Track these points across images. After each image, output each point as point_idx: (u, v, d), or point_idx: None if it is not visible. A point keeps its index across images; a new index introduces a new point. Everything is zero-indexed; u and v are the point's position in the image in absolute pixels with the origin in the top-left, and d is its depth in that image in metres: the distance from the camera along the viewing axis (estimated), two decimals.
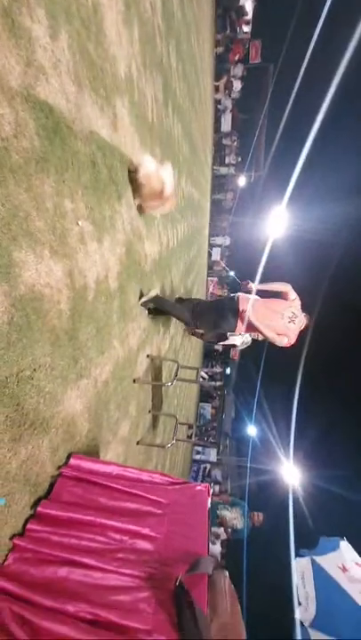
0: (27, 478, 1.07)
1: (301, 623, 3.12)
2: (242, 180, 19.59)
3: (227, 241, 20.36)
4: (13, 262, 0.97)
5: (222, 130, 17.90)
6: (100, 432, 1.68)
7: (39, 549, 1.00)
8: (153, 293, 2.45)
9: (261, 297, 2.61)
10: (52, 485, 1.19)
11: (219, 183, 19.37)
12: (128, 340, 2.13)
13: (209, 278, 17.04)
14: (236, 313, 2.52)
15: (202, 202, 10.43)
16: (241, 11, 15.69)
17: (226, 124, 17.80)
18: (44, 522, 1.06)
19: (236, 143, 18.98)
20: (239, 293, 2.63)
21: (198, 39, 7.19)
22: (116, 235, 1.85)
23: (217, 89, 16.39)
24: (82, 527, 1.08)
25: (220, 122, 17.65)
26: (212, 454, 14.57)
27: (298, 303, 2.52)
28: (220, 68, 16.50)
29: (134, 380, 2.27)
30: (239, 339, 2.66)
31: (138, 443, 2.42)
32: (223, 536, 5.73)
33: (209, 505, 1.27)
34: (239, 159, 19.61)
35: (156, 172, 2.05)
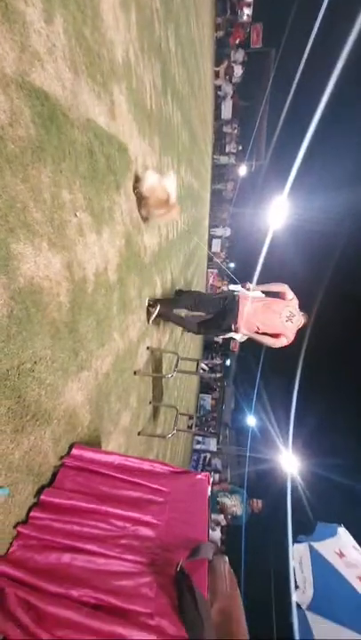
0: (30, 468, 1.08)
1: (299, 606, 3.21)
2: (243, 170, 19.28)
3: (227, 232, 20.16)
4: (12, 255, 0.97)
5: (223, 117, 17.49)
6: (102, 423, 1.70)
7: (43, 536, 1.02)
8: (156, 312, 2.60)
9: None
10: (54, 475, 1.21)
11: (219, 173, 19.06)
12: (128, 333, 2.13)
13: (209, 270, 16.94)
14: (236, 314, 2.58)
15: (202, 192, 10.30)
16: None
17: (226, 111, 17.38)
18: (47, 510, 1.08)
19: (236, 131, 18.57)
20: (239, 293, 2.69)
21: (198, 23, 6.98)
22: (115, 226, 1.83)
23: (217, 75, 15.96)
24: (84, 514, 1.10)
25: (221, 109, 17.22)
26: (212, 444, 14.76)
27: (295, 303, 2.59)
28: (221, 52, 16.05)
29: (135, 372, 2.29)
30: (239, 335, 2.72)
31: (139, 433, 2.45)
32: (223, 523, 5.86)
33: (209, 493, 1.29)
34: (240, 148, 19.22)
35: (160, 182, 2.13)
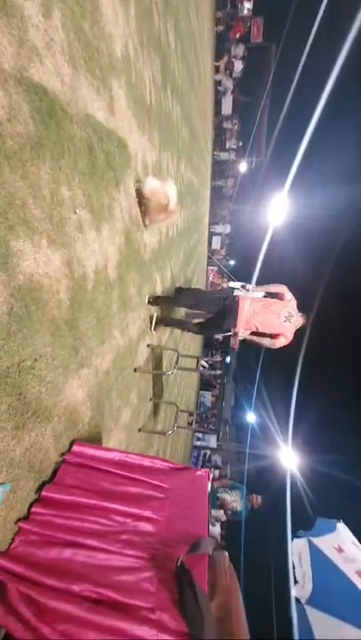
0: (31, 465, 1.09)
1: (298, 600, 3.24)
2: (243, 166, 19.15)
3: (227, 229, 20.08)
4: (11, 252, 0.96)
5: (223, 113, 17.35)
6: (102, 420, 1.71)
7: (44, 532, 1.03)
8: (155, 319, 2.68)
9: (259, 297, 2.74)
10: (55, 472, 1.22)
11: (219, 169, 18.94)
12: (128, 330, 2.13)
13: (209, 267, 16.90)
14: (236, 314, 2.61)
15: (201, 189, 10.24)
16: None
17: (226, 107, 17.24)
18: (48, 505, 1.09)
19: (236, 127, 18.42)
20: (239, 293, 2.73)
21: (198, 16, 6.90)
22: (115, 223, 1.82)
23: (217, 69, 15.81)
24: (85, 510, 1.11)
25: (221, 104, 17.08)
26: (212, 440, 14.84)
27: (294, 303, 2.64)
28: (221, 47, 15.87)
29: (135, 370, 2.29)
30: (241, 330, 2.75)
31: (139, 430, 2.46)
32: (223, 518, 5.90)
33: (209, 489, 1.30)
34: (240, 144, 19.08)
35: (162, 187, 2.20)
